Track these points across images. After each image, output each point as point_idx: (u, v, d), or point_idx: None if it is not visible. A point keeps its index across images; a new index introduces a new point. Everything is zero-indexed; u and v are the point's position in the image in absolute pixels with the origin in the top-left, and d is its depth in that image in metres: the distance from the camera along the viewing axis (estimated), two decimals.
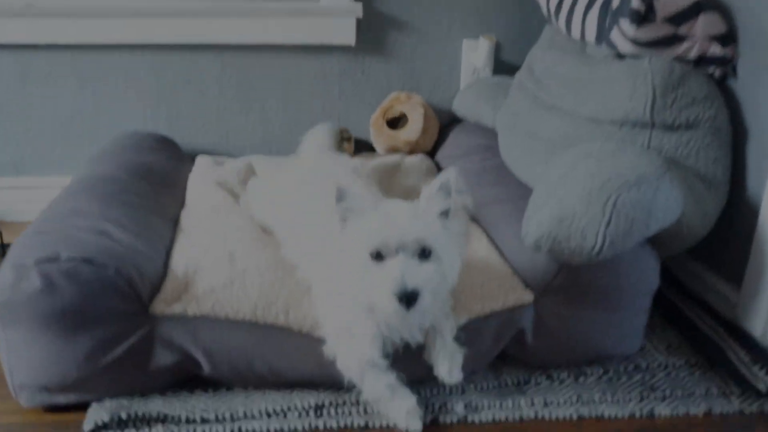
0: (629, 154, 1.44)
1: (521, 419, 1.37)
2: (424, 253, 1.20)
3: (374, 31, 2.20)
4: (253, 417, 1.32)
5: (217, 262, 1.42)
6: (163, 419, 1.29)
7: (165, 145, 2.07)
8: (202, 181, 1.86)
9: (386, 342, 1.31)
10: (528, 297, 1.43)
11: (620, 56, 1.64)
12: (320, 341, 1.33)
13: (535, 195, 1.45)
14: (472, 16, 2.24)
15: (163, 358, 1.31)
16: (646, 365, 1.53)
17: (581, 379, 1.48)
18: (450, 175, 1.23)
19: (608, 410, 1.39)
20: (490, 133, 2.08)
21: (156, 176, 1.79)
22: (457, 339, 1.36)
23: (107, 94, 2.14)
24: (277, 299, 1.36)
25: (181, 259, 1.43)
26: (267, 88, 2.21)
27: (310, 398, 1.36)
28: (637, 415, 1.39)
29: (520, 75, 2.02)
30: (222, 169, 1.97)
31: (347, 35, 2.15)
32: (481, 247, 1.59)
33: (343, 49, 2.20)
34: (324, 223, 1.33)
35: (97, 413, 1.28)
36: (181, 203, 1.75)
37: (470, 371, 1.41)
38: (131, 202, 1.57)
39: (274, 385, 1.37)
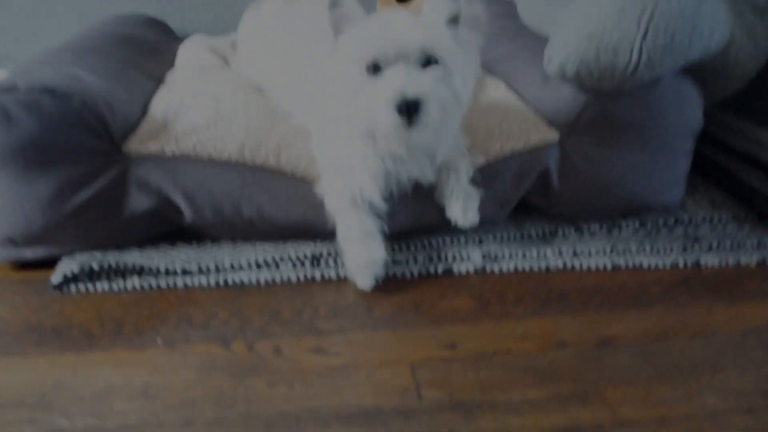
0: None
1: (547, 269, 1.21)
2: (429, 63, 1.02)
3: None
4: (240, 268, 1.17)
5: (201, 103, 1.26)
6: (139, 271, 1.15)
7: (155, 24, 1.91)
8: (193, 48, 1.70)
9: (391, 180, 1.15)
10: (552, 135, 1.26)
11: None
12: (315, 184, 1.17)
13: (562, 21, 1.26)
14: None
15: (139, 202, 1.16)
16: (689, 219, 1.35)
17: (615, 231, 1.32)
18: None
19: (647, 260, 1.22)
20: (508, 4, 1.88)
21: (142, 44, 1.63)
22: (474, 181, 1.19)
23: None
24: (267, 140, 1.20)
25: (160, 103, 1.27)
26: None
27: (306, 248, 1.21)
28: (681, 264, 1.22)
29: None
30: (215, 39, 1.81)
31: None
32: (498, 92, 1.41)
33: None
34: (316, 53, 1.17)
35: (67, 265, 1.14)
36: (169, 68, 1.59)
37: (489, 219, 1.25)
38: (111, 57, 1.41)
39: (265, 235, 1.22)
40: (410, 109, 0.98)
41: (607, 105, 1.23)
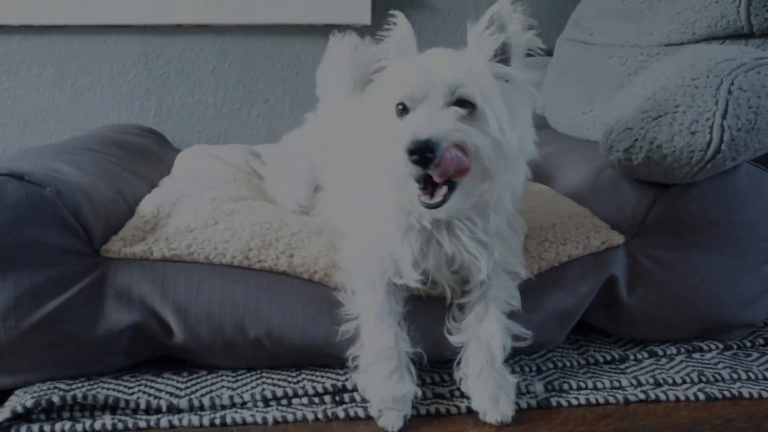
0: (733, 47, 1.11)
1: (626, 401, 0.96)
2: (463, 106, 0.85)
3: (392, 9, 1.94)
4: (243, 404, 0.92)
5: (198, 200, 1.07)
6: (113, 407, 0.90)
7: (151, 133, 1.76)
8: (194, 154, 1.54)
9: (427, 258, 0.93)
10: (616, 238, 1.06)
11: None
12: (336, 291, 0.96)
13: (616, 108, 1.11)
14: None
15: (118, 317, 0.93)
16: None
17: (696, 355, 1.09)
18: (503, 4, 0.89)
19: (746, 389, 0.98)
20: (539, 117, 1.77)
21: (135, 148, 1.47)
22: (512, 313, 0.96)
23: (89, 85, 1.87)
24: (277, 240, 1.00)
25: (151, 202, 1.08)
26: (272, 76, 1.93)
27: (325, 379, 0.97)
28: None
29: (562, 36, 1.73)
30: (218, 149, 1.65)
31: (362, 13, 1.90)
32: (544, 195, 1.23)
33: (357, 30, 1.93)
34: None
35: (18, 399, 0.89)
36: (163, 175, 1.41)
37: (546, 341, 1.03)
38: (99, 156, 1.24)
39: (274, 360, 0.98)
40: (423, 151, 0.80)
41: (678, 200, 1.05)
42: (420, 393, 0.91)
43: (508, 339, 0.93)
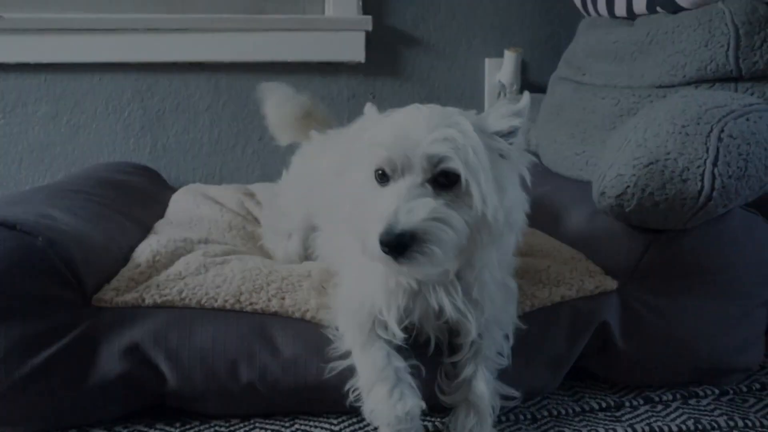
0: (722, 93, 1.12)
1: None
2: (446, 177, 0.82)
3: (386, 47, 1.97)
4: None
5: (189, 249, 1.07)
6: None
7: (146, 171, 1.77)
8: (189, 194, 1.54)
9: (413, 309, 0.93)
10: (610, 283, 1.06)
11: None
12: (328, 329, 0.96)
13: (608, 153, 1.12)
14: (494, 32, 2.02)
15: (110, 366, 0.92)
16: None
17: (692, 401, 1.08)
18: (526, 100, 0.89)
19: None
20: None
21: (129, 189, 1.47)
22: (501, 366, 0.97)
23: (84, 122, 1.87)
24: (268, 284, 1.00)
25: (145, 249, 1.08)
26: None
27: (320, 429, 0.95)
28: None
29: (555, 74, 1.75)
30: (213, 189, 1.65)
31: (356, 51, 1.92)
32: (536, 238, 1.23)
33: (352, 68, 1.96)
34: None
35: None
36: (158, 217, 1.41)
37: (539, 387, 1.02)
38: (92, 199, 1.24)
39: (268, 406, 0.97)
40: (399, 245, 0.78)
41: (671, 246, 1.05)
42: (425, 406, 0.89)
43: (497, 400, 0.93)
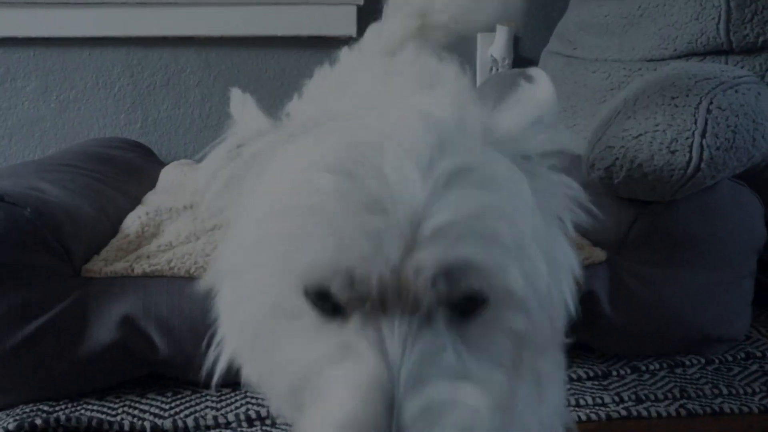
0: (712, 65, 1.13)
1: (608, 418, 0.97)
2: (473, 301, 0.42)
3: (378, 20, 1.95)
4: (228, 425, 0.92)
5: (180, 223, 1.07)
6: (97, 428, 0.90)
7: (137, 146, 1.76)
8: (178, 167, 1.54)
9: None
10: (598, 254, 1.07)
11: None
12: None
13: (598, 126, 1.12)
14: None
15: (101, 336, 0.92)
16: (762, 353, 1.14)
17: (679, 370, 1.10)
18: (547, 89, 0.52)
19: (728, 404, 0.99)
20: None
21: (120, 163, 1.47)
22: None
23: (74, 97, 1.86)
24: None
25: (135, 220, 1.08)
26: (257, 88, 1.93)
27: None
28: None
29: (547, 49, 1.74)
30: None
31: (347, 25, 1.90)
32: None
33: (343, 42, 1.93)
34: None
35: (1, 422, 0.89)
36: (148, 189, 1.41)
37: None
38: (82, 173, 1.23)
39: None
40: None
41: (659, 217, 1.06)
42: None
43: None
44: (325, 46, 1.94)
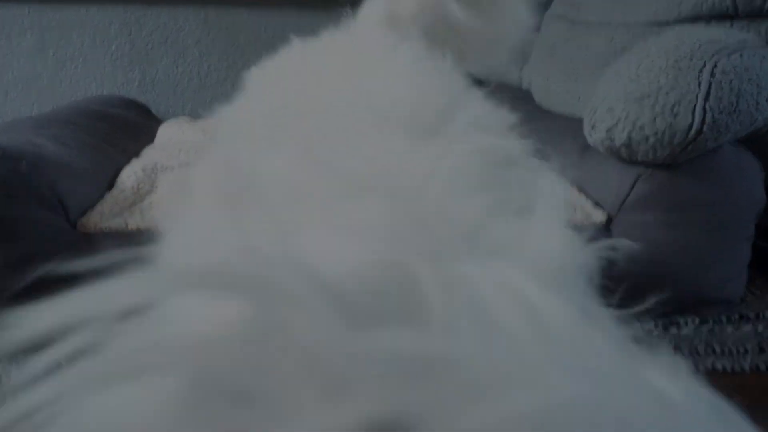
0: (717, 29, 1.11)
1: None
2: None
3: None
4: None
5: (174, 173, 1.07)
6: None
7: (134, 104, 1.74)
8: (176, 124, 1.53)
9: None
10: (598, 216, 1.07)
11: None
12: None
13: (601, 88, 1.11)
14: None
15: None
16: (756, 315, 1.15)
17: (673, 329, 1.11)
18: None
19: (720, 363, 1.01)
20: (518, 92, 1.77)
21: (118, 120, 1.46)
22: None
23: (71, 55, 1.84)
24: None
25: (130, 176, 1.08)
26: (257, 48, 1.90)
27: None
28: (763, 367, 1.00)
29: (549, 12, 1.72)
30: (201, 122, 1.64)
31: None
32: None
33: (342, 2, 1.92)
34: None
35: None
36: (146, 145, 1.40)
37: None
38: (79, 129, 1.23)
39: None
40: None
41: (659, 180, 1.05)
42: None
43: None
44: (324, 5, 1.92)
